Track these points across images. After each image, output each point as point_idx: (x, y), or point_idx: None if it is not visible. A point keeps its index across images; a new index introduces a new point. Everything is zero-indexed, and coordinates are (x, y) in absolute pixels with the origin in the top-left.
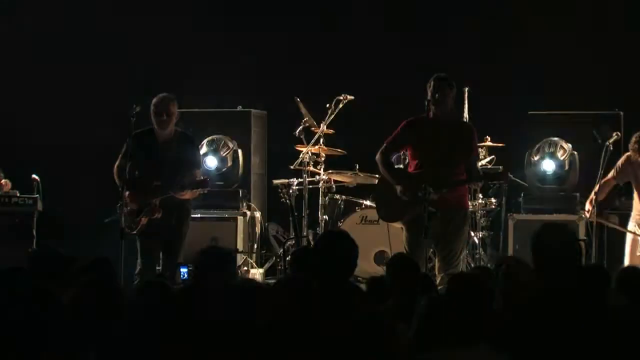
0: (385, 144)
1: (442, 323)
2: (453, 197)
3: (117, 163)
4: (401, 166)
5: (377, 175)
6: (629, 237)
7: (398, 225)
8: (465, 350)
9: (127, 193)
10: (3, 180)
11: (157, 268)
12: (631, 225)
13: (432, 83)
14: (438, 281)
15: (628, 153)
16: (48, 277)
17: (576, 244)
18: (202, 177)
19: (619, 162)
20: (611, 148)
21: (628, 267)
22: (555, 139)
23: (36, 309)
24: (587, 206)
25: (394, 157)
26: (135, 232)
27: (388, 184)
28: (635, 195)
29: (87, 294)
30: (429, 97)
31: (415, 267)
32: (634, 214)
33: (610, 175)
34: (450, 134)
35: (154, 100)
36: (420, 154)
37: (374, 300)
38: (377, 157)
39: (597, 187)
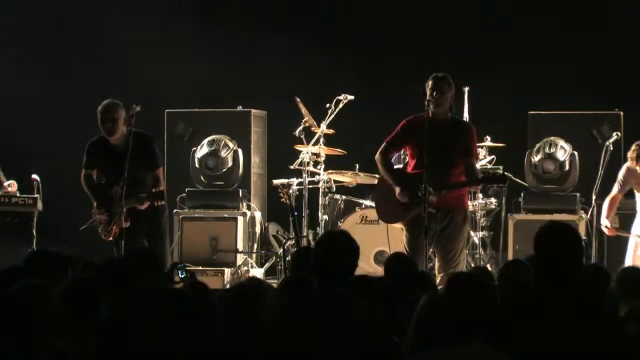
0: (384, 144)
1: (441, 322)
2: (452, 197)
3: (82, 173)
4: (400, 166)
5: (377, 175)
6: (632, 239)
7: (398, 225)
8: (464, 350)
9: (95, 203)
10: (6, 183)
11: None
12: (635, 228)
13: (430, 82)
14: (438, 281)
15: (627, 164)
16: (44, 276)
17: (580, 243)
18: (158, 189)
19: (621, 175)
20: (611, 148)
21: (628, 267)
22: (555, 139)
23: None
24: (606, 222)
25: (394, 157)
26: (111, 239)
27: (388, 185)
28: (637, 199)
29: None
30: (427, 97)
31: (413, 266)
32: (639, 216)
33: (615, 190)
34: (449, 134)
35: (98, 108)
36: (419, 153)
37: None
38: (377, 157)
39: (606, 207)
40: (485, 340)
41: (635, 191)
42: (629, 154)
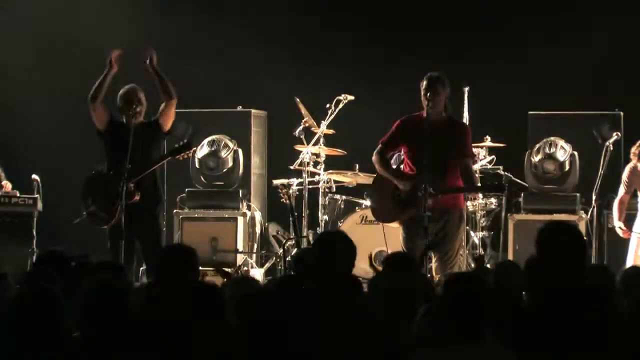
0: (380, 144)
1: (443, 322)
2: (447, 197)
3: None
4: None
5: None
6: (634, 238)
7: (395, 225)
8: (468, 349)
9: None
10: (4, 182)
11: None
12: (637, 226)
13: (424, 82)
14: (436, 282)
15: (630, 164)
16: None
17: (582, 242)
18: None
19: (625, 177)
20: (611, 148)
21: (633, 267)
22: (555, 139)
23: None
24: (619, 224)
25: (393, 158)
26: (112, 222)
27: (383, 185)
28: None
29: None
30: (422, 97)
31: (412, 265)
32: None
33: (622, 192)
34: (444, 134)
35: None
36: (414, 153)
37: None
38: (374, 157)
39: (616, 210)
40: (488, 339)
41: (638, 191)
42: (633, 150)
